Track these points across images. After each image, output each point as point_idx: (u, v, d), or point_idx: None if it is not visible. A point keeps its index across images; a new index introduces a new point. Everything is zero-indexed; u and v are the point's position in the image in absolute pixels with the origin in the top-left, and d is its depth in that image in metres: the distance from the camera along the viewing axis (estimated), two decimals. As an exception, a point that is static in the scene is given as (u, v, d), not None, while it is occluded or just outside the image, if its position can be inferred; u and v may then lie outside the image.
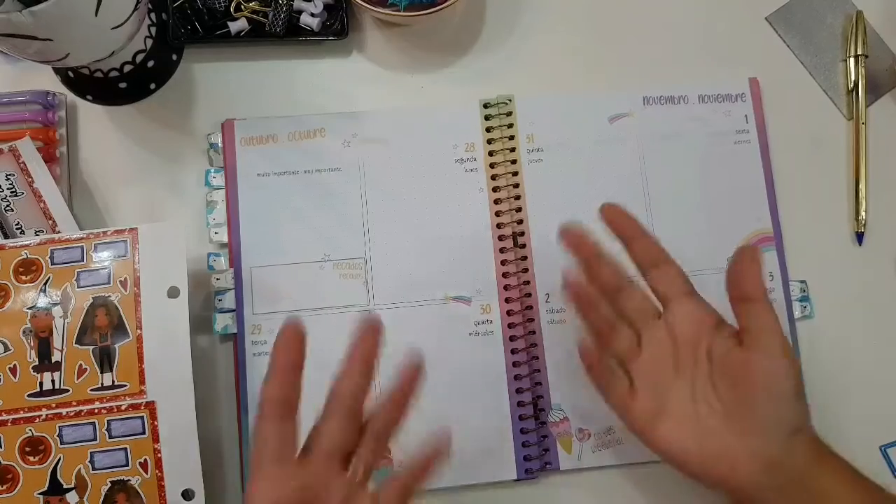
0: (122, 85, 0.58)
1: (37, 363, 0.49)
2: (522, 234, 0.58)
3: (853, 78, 0.62)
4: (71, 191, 0.58)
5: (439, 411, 0.55)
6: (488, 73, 0.61)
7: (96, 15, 0.45)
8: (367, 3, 0.57)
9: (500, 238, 0.58)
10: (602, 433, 0.56)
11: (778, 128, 0.61)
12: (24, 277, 0.50)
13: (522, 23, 0.63)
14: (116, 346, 0.49)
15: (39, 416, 0.49)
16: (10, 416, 0.49)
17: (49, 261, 0.51)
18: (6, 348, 0.49)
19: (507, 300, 0.57)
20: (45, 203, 0.55)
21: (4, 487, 0.48)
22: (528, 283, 0.58)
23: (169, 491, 0.49)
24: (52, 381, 0.49)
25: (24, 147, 0.55)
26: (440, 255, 0.58)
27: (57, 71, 0.59)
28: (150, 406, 0.49)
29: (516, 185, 0.59)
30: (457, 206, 0.58)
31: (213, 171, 0.58)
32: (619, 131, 0.60)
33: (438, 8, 0.56)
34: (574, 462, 0.55)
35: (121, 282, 0.50)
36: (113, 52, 0.51)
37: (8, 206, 0.55)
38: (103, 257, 0.51)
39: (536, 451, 0.55)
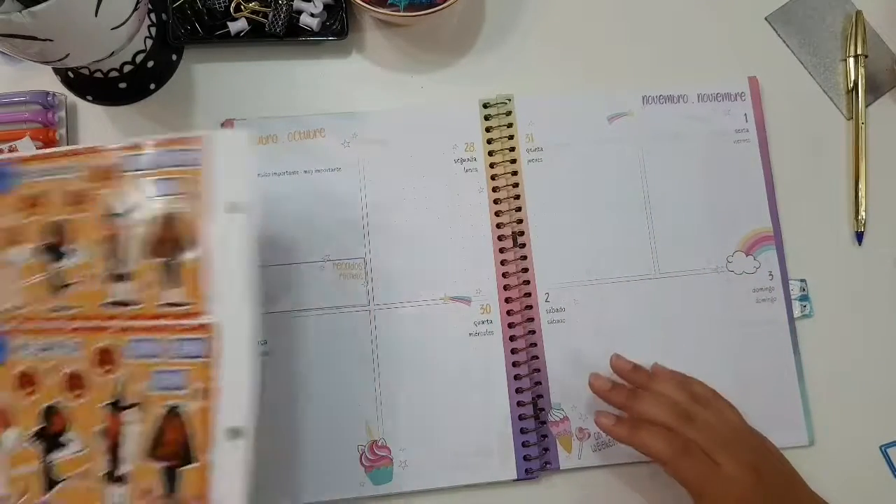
0: (122, 85, 0.58)
1: (108, 275, 0.47)
2: (522, 233, 0.58)
3: (853, 78, 0.62)
4: (71, 191, 0.58)
5: (439, 411, 0.55)
6: (488, 73, 0.61)
7: (96, 15, 0.45)
8: (367, 3, 0.57)
9: (500, 238, 0.58)
10: (602, 433, 0.55)
11: (778, 127, 0.61)
12: (100, 189, 0.48)
13: (522, 23, 0.63)
14: (178, 260, 0.46)
15: (112, 328, 0.47)
16: (88, 324, 0.48)
17: (122, 170, 0.48)
18: (84, 257, 0.48)
19: (507, 300, 0.57)
20: (45, 203, 0.55)
21: (77, 394, 0.47)
22: (528, 283, 0.58)
23: (217, 423, 0.44)
24: (125, 293, 0.47)
25: (24, 147, 0.55)
26: (440, 255, 0.58)
27: (57, 71, 0.59)
28: (210, 328, 0.46)
29: (516, 185, 0.59)
30: (457, 206, 0.58)
31: (213, 171, 0.58)
32: (618, 131, 0.60)
33: (438, 8, 0.56)
34: (574, 462, 0.55)
35: (185, 194, 0.47)
36: (113, 53, 0.51)
37: (8, 206, 0.55)
38: (167, 166, 0.48)
39: (536, 451, 0.55)
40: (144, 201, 0.47)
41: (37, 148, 0.55)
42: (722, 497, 0.47)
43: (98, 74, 0.56)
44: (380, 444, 0.54)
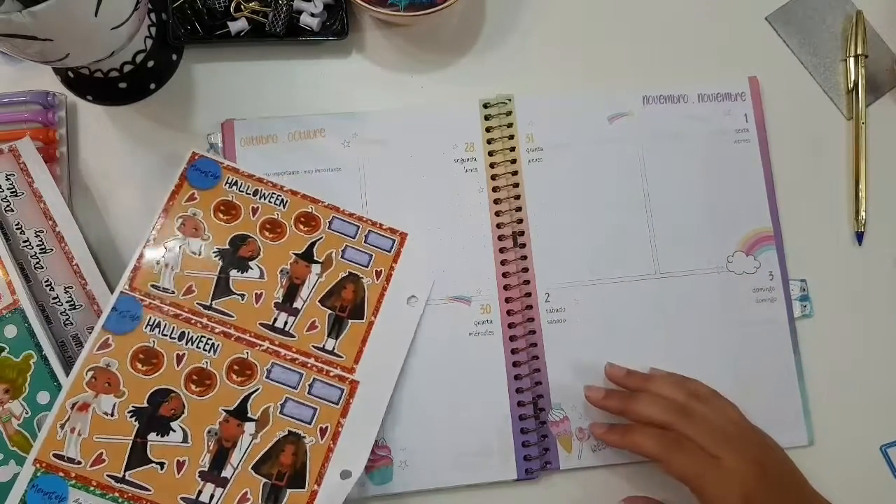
0: (122, 85, 0.58)
1: (279, 301, 0.53)
2: (522, 233, 0.58)
3: (853, 78, 0.62)
4: (71, 191, 0.58)
5: (439, 411, 0.55)
6: (488, 73, 0.61)
7: (96, 15, 0.45)
8: (367, 3, 0.57)
9: (500, 238, 0.58)
10: (602, 433, 0.56)
11: (778, 127, 0.61)
12: (302, 227, 0.55)
13: (522, 23, 0.63)
14: (350, 321, 0.54)
15: (260, 346, 0.52)
16: (237, 333, 0.52)
17: (328, 224, 0.56)
18: (262, 275, 0.54)
19: (507, 300, 0.57)
20: (45, 203, 0.55)
21: (199, 390, 0.50)
22: (528, 282, 0.58)
23: (332, 463, 0.51)
24: (285, 323, 0.53)
25: (24, 147, 0.55)
26: (440, 256, 0.58)
27: (57, 71, 0.59)
28: (354, 384, 0.53)
29: (516, 185, 0.59)
30: (457, 206, 0.58)
31: (213, 171, 0.58)
32: (618, 131, 0.60)
33: (438, 8, 0.56)
34: (574, 461, 0.55)
35: (376, 271, 0.55)
36: (113, 53, 0.51)
37: (8, 206, 0.55)
38: (371, 244, 0.56)
39: (536, 450, 0.55)
40: (338, 259, 0.55)
41: (37, 148, 0.55)
42: (725, 492, 0.47)
43: (98, 74, 0.56)
44: (380, 444, 0.54)
